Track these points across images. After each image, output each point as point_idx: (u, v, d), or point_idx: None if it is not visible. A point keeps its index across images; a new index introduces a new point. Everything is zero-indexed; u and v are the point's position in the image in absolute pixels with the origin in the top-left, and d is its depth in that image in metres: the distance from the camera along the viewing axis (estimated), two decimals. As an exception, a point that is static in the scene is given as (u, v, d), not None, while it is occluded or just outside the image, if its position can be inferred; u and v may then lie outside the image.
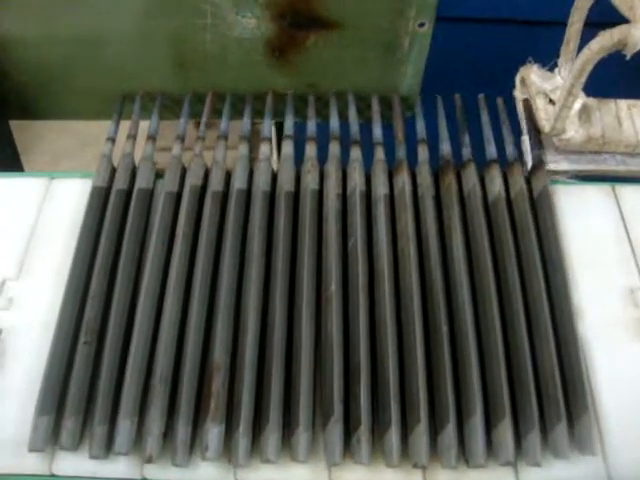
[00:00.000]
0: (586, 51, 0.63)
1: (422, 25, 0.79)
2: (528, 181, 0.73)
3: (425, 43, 0.81)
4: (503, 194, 0.71)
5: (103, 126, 0.80)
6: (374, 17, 0.78)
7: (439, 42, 0.82)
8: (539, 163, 0.74)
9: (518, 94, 0.80)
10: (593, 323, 0.65)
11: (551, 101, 0.75)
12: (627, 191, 0.74)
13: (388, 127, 0.79)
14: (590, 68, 0.64)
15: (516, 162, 0.72)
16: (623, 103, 0.75)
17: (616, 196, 0.73)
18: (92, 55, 0.83)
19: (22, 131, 0.98)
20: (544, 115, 0.75)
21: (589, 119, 0.73)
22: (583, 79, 0.66)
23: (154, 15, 0.78)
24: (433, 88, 0.82)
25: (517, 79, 0.80)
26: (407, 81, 0.85)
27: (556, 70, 0.78)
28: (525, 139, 0.78)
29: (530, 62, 0.78)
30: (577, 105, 0.72)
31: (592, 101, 0.75)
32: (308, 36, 0.79)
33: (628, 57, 0.61)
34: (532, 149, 0.76)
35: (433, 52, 0.82)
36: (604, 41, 0.61)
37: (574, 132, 0.71)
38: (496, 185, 0.71)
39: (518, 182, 0.72)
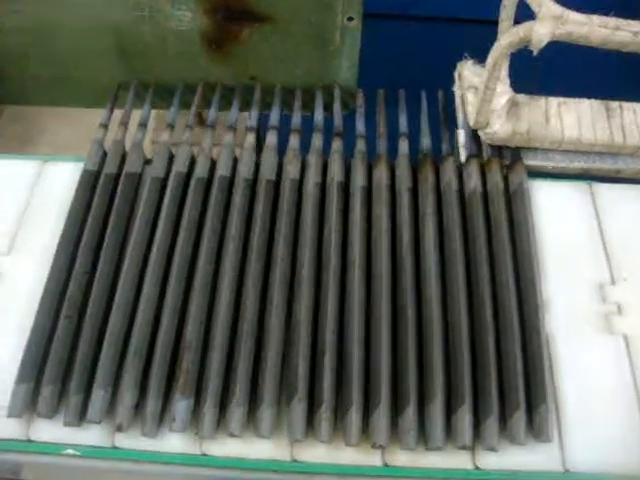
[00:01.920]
0: (496, 47, 0.65)
1: (351, 19, 0.82)
2: (506, 176, 0.74)
3: (356, 37, 0.84)
4: (479, 188, 0.72)
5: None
6: (304, 11, 0.81)
7: (387, 39, 0.84)
8: (517, 158, 0.75)
9: (457, 89, 0.81)
10: (560, 316, 0.66)
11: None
12: (603, 189, 0.75)
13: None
14: (503, 63, 0.65)
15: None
16: (554, 101, 0.76)
17: (592, 193, 0.74)
18: (41, 44, 0.86)
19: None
20: (472, 109, 0.76)
21: (517, 114, 0.74)
22: (498, 74, 0.67)
23: (95, 5, 0.81)
24: (383, 83, 0.84)
25: (455, 75, 0.81)
26: (343, 74, 0.88)
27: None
28: (460, 132, 0.80)
29: (466, 58, 0.80)
30: (503, 100, 0.73)
31: (523, 97, 0.76)
32: (242, 29, 0.83)
33: (535, 53, 0.62)
34: (466, 143, 0.78)
35: (382, 48, 0.85)
36: (511, 37, 0.63)
37: (499, 126, 0.72)
38: (473, 179, 0.73)
39: (495, 177, 0.73)
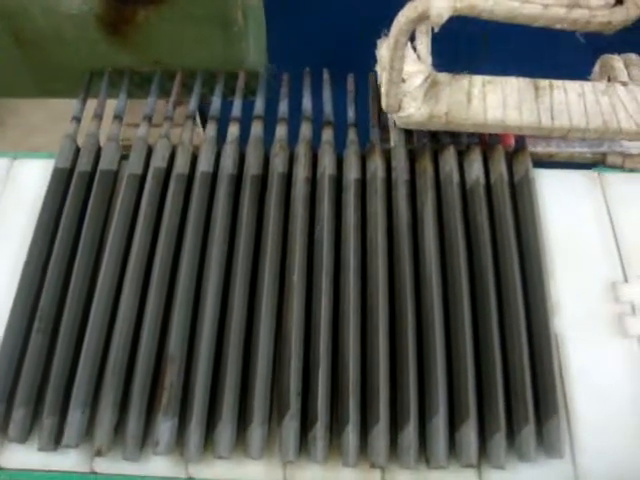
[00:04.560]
0: (395, 24, 0.58)
1: None
2: (510, 165, 0.69)
3: (259, 15, 0.79)
4: (482, 179, 0.67)
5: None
6: None
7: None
8: (522, 146, 0.70)
9: (379, 69, 0.73)
10: (570, 318, 0.62)
11: None
12: (614, 178, 0.70)
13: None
14: (404, 41, 0.58)
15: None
16: (478, 79, 0.68)
17: (602, 183, 0.69)
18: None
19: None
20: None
21: (436, 96, 0.66)
22: (401, 52, 0.60)
23: None
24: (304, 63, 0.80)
25: (377, 53, 0.73)
26: (251, 57, 0.82)
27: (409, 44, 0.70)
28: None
29: (385, 35, 0.70)
30: (418, 80, 0.65)
31: (445, 76, 0.68)
32: (136, 11, 0.76)
33: (436, 30, 0.56)
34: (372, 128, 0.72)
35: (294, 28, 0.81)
36: (409, 12, 0.56)
37: (414, 109, 0.65)
38: (475, 169, 0.68)
39: (498, 166, 0.68)
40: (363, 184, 0.68)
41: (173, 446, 0.56)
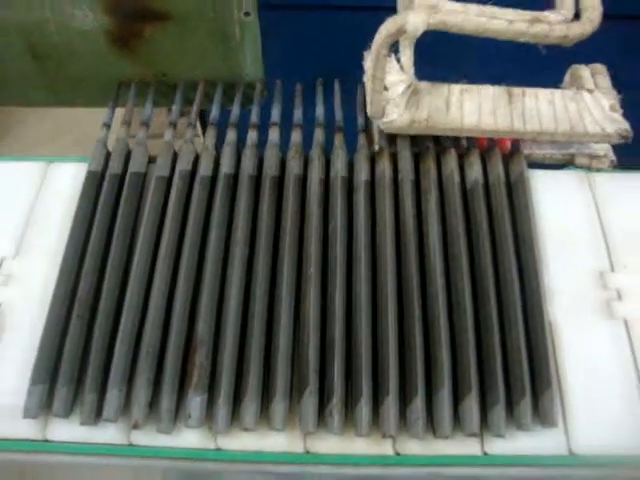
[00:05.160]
0: (376, 37, 0.65)
1: (247, 14, 0.83)
2: (506, 166, 0.76)
3: (255, 31, 0.86)
4: (481, 179, 0.73)
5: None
6: (200, 8, 0.82)
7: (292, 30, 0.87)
8: (517, 149, 0.76)
9: (365, 79, 0.79)
10: (562, 303, 0.68)
11: None
12: (601, 177, 0.76)
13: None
14: (385, 52, 0.65)
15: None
16: (456, 88, 0.75)
17: (590, 182, 0.76)
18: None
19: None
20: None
21: (417, 103, 0.73)
22: (383, 63, 0.66)
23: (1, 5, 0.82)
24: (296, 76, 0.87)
25: (364, 65, 0.79)
26: (248, 68, 0.89)
27: (393, 55, 0.77)
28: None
29: (370, 48, 0.75)
30: (400, 89, 0.72)
31: (425, 85, 0.75)
32: (144, 27, 0.84)
33: (413, 42, 0.62)
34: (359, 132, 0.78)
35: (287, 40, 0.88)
36: (389, 27, 0.63)
37: (397, 116, 0.71)
38: (474, 170, 0.74)
39: (496, 167, 0.74)
40: (372, 185, 0.74)
41: (203, 420, 0.62)
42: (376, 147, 0.77)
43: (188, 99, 0.86)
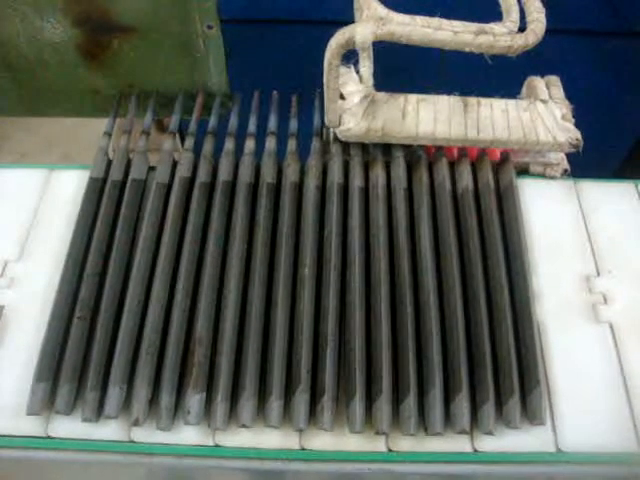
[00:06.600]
0: (328, 48, 0.67)
1: (210, 27, 0.86)
2: (496, 174, 0.78)
3: (218, 44, 0.88)
4: (471, 186, 0.76)
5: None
6: (164, 22, 0.85)
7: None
8: (506, 158, 0.79)
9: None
10: (550, 306, 0.70)
11: (340, 95, 0.78)
12: (587, 186, 0.79)
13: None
14: (337, 63, 0.67)
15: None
16: (413, 97, 0.77)
17: (577, 190, 0.78)
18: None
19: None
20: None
21: (374, 112, 0.75)
22: (335, 74, 0.68)
23: None
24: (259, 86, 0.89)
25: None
26: (213, 80, 0.92)
27: (352, 67, 0.80)
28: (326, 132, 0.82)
29: None
30: (356, 99, 0.74)
31: (383, 95, 0.77)
32: (111, 40, 0.86)
33: (361, 53, 0.64)
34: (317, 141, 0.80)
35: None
36: (338, 38, 0.65)
37: (353, 124, 0.74)
38: (464, 178, 0.77)
39: (486, 175, 0.77)
40: (367, 191, 0.77)
41: (202, 417, 0.63)
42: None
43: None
